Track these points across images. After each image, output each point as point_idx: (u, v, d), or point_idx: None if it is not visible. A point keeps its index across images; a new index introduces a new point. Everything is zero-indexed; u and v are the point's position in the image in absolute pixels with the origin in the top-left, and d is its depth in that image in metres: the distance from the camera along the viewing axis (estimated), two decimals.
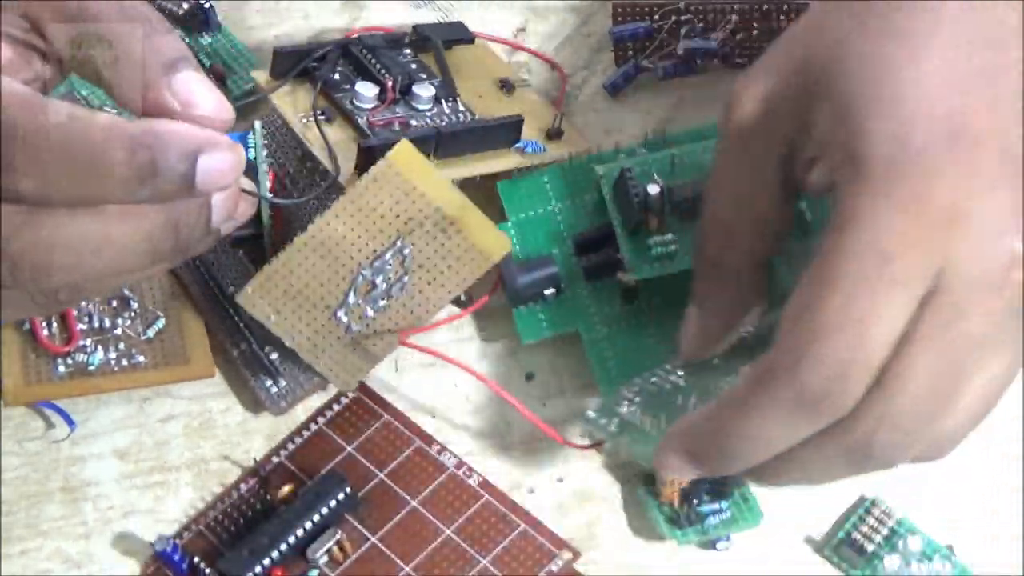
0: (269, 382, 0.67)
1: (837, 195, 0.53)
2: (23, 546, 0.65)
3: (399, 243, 0.63)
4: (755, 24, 0.74)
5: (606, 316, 0.66)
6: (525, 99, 0.73)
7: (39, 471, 0.66)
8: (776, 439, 0.54)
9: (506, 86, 0.72)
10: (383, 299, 0.64)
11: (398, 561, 0.63)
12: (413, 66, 0.70)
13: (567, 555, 0.62)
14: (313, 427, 0.66)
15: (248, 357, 0.67)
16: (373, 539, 0.63)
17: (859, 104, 0.53)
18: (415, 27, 0.72)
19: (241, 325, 0.67)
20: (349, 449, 0.66)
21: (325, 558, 0.63)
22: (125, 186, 0.52)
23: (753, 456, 0.56)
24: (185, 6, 0.75)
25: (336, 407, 0.67)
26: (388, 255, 0.63)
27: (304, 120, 0.67)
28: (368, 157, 0.63)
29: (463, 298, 0.66)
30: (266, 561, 0.62)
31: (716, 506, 0.62)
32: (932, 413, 0.54)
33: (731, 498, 0.63)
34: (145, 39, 0.55)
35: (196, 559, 0.63)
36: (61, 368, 0.66)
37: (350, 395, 0.67)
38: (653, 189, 0.65)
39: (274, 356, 0.66)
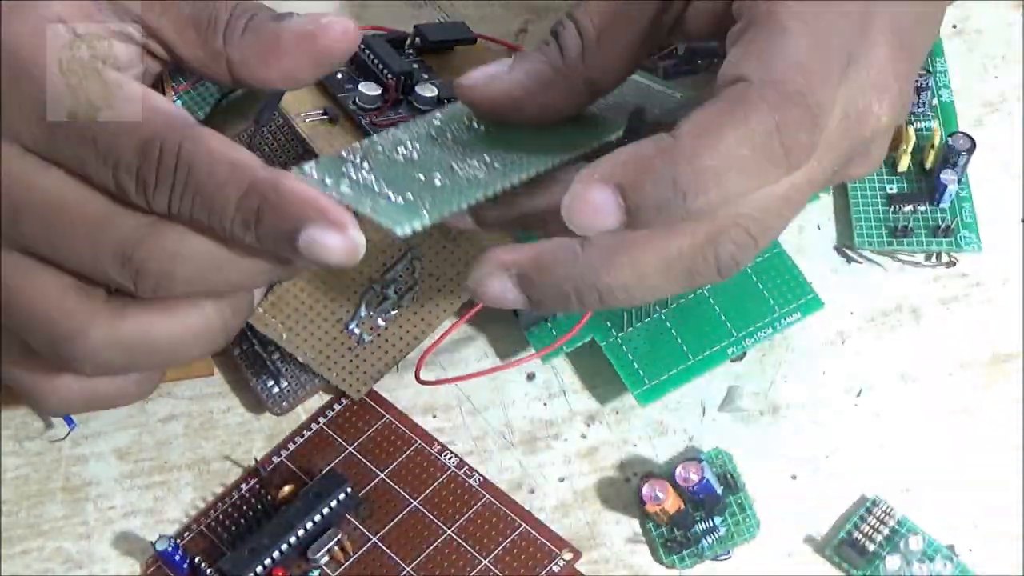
0: (271, 382, 0.67)
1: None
2: (24, 546, 0.65)
3: (409, 254, 0.63)
4: None
5: (617, 319, 0.66)
6: None
7: (40, 471, 0.66)
8: (744, 172, 0.53)
9: None
10: (394, 309, 0.64)
11: (399, 561, 0.63)
12: (415, 66, 0.70)
13: (568, 555, 0.62)
14: (314, 427, 0.66)
15: (250, 357, 0.67)
16: (374, 539, 0.63)
17: None
18: (416, 27, 0.72)
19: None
20: (350, 449, 0.66)
21: (326, 558, 0.63)
22: (233, 225, 0.54)
23: (712, 190, 0.52)
24: None
25: (337, 407, 0.67)
26: (399, 267, 0.63)
27: (306, 119, 0.67)
28: None
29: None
30: (267, 561, 0.62)
31: (710, 524, 0.62)
32: (778, 225, 0.56)
33: (725, 513, 0.63)
34: None
35: (197, 559, 0.63)
36: None
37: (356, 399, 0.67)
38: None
39: (276, 357, 0.66)
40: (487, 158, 0.55)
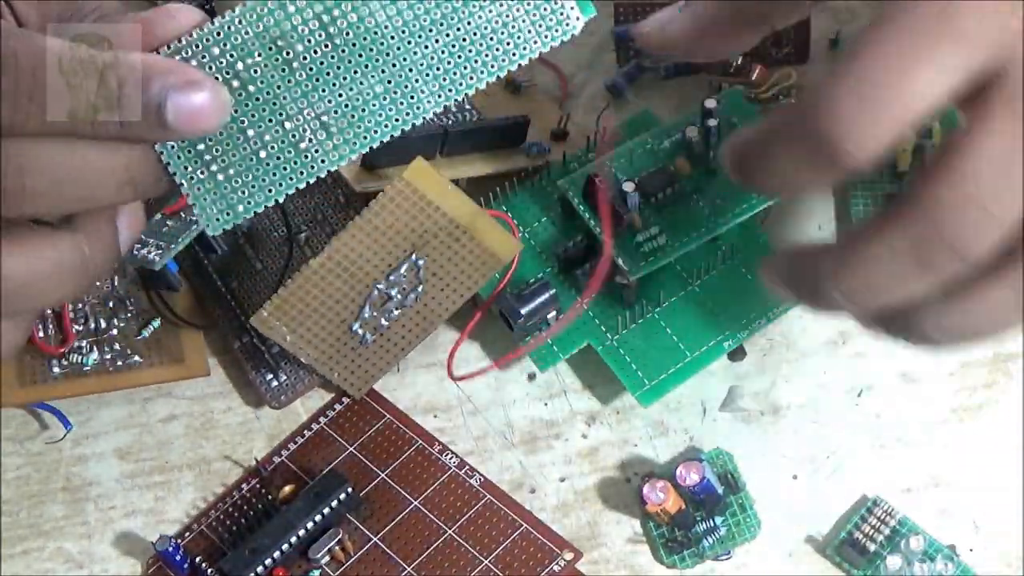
0: (270, 376, 0.67)
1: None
2: (25, 546, 0.65)
3: (414, 256, 0.63)
4: None
5: (612, 322, 0.66)
6: (532, 99, 0.73)
7: (41, 471, 0.66)
8: (785, 174, 0.50)
9: (513, 86, 0.72)
10: (397, 309, 0.64)
11: (400, 561, 0.63)
12: None
13: (569, 555, 0.62)
14: (315, 427, 0.66)
15: (249, 350, 0.67)
16: (375, 539, 0.63)
17: None
18: None
19: (243, 319, 0.67)
20: (351, 449, 0.66)
21: (327, 558, 0.63)
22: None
23: (768, 179, 0.51)
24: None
25: (338, 407, 0.67)
26: (403, 268, 0.63)
27: None
28: (374, 155, 0.63)
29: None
30: (268, 561, 0.62)
31: (710, 524, 0.62)
32: (1006, 187, 0.48)
33: (726, 512, 0.63)
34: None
35: (197, 559, 0.63)
36: (56, 369, 0.66)
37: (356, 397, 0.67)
38: (628, 187, 0.64)
39: (275, 351, 0.66)
40: (324, 117, 0.50)
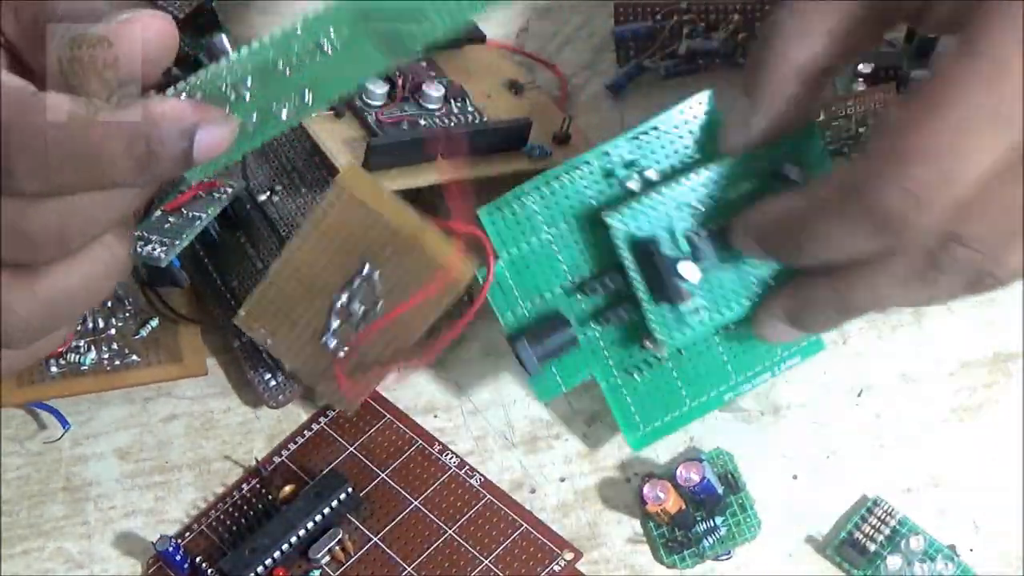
0: (268, 375, 0.67)
1: (965, 21, 0.51)
2: (25, 546, 0.65)
3: (366, 268, 0.62)
4: (757, 24, 0.74)
5: (623, 360, 0.63)
6: (534, 100, 0.73)
7: (41, 471, 0.66)
8: (841, 246, 0.54)
9: (515, 87, 0.72)
10: (363, 323, 0.63)
11: (400, 561, 0.63)
12: (423, 64, 0.70)
13: (569, 555, 0.62)
14: (315, 427, 0.66)
15: (248, 350, 0.67)
16: (375, 539, 0.63)
17: None
18: None
19: None
20: (351, 449, 0.66)
21: (327, 558, 0.63)
22: (126, 176, 0.52)
23: (819, 251, 0.55)
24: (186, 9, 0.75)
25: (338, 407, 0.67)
26: (356, 281, 0.62)
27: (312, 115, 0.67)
28: (375, 155, 0.63)
29: (464, 298, 0.65)
30: (268, 561, 0.62)
31: (710, 524, 0.62)
32: (1007, 243, 0.53)
33: (726, 513, 0.63)
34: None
35: (198, 559, 0.63)
36: (53, 368, 0.66)
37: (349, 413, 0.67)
38: (685, 269, 0.59)
39: None
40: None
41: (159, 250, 0.65)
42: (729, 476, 0.63)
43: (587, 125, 0.73)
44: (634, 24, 0.75)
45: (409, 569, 0.62)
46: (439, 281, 0.61)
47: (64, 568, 0.64)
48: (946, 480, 0.64)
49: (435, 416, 0.67)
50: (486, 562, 0.62)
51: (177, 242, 0.64)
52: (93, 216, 0.54)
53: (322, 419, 0.67)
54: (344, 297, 0.62)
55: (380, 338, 0.63)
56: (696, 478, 0.61)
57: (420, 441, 0.66)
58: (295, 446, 0.66)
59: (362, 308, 0.62)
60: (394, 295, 0.62)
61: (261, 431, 0.67)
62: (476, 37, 0.73)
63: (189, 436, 0.67)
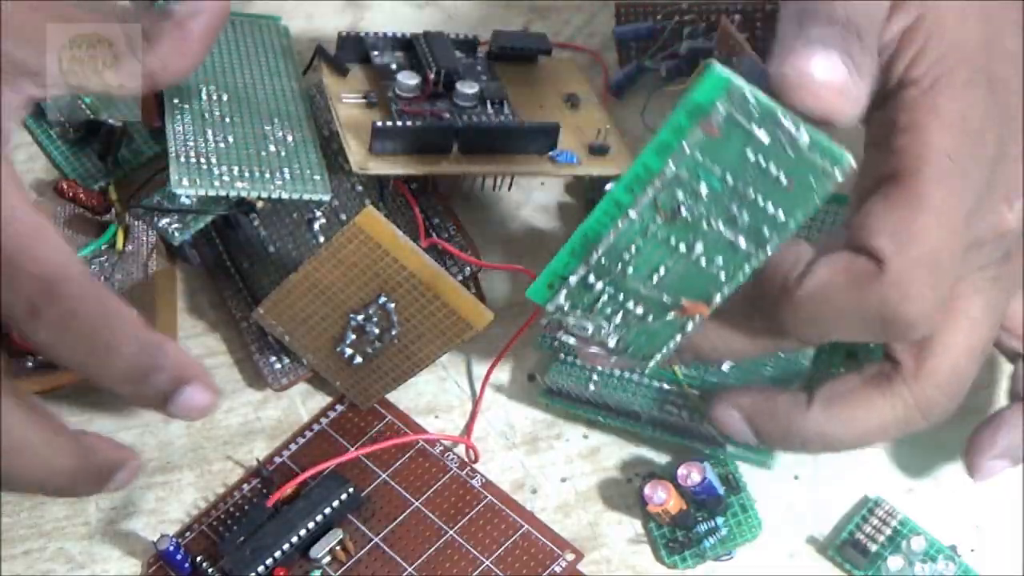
0: (273, 358, 0.67)
1: (907, 110, 0.55)
2: (26, 546, 0.65)
3: (382, 298, 0.63)
4: (758, 25, 0.74)
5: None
6: (586, 115, 0.71)
7: None
8: (840, 330, 0.56)
9: (572, 100, 0.71)
10: (377, 342, 0.64)
11: (401, 562, 0.63)
12: (478, 68, 0.70)
13: (570, 556, 0.62)
14: (316, 427, 0.67)
15: (255, 332, 0.67)
16: (376, 539, 0.63)
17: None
18: (495, 32, 0.73)
19: (250, 300, 0.68)
20: (352, 449, 0.66)
21: (328, 558, 0.63)
22: (119, 376, 0.57)
23: (813, 332, 0.57)
24: None
25: (339, 407, 0.67)
26: (371, 309, 0.63)
27: (345, 100, 0.68)
28: (377, 139, 0.65)
29: None
30: (268, 561, 0.62)
31: (712, 524, 0.62)
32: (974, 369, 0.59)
33: (727, 512, 0.63)
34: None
35: (199, 559, 0.63)
36: (30, 363, 0.66)
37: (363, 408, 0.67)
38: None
39: (280, 330, 0.66)
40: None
41: (174, 227, 0.66)
42: (730, 477, 0.63)
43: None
44: (635, 24, 0.75)
45: (410, 569, 0.62)
46: (455, 327, 0.63)
47: (65, 568, 0.64)
48: (947, 480, 0.64)
49: (436, 417, 0.67)
50: (487, 562, 0.62)
51: (193, 223, 0.66)
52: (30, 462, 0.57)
53: (323, 420, 0.67)
54: (360, 318, 0.63)
55: (391, 360, 0.64)
56: (697, 478, 0.61)
57: (421, 441, 0.66)
58: (296, 447, 0.66)
59: (377, 331, 0.63)
60: (408, 327, 0.63)
61: (262, 431, 0.67)
62: (542, 50, 0.73)
63: (190, 436, 0.67)
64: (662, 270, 0.54)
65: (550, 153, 0.67)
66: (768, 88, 0.52)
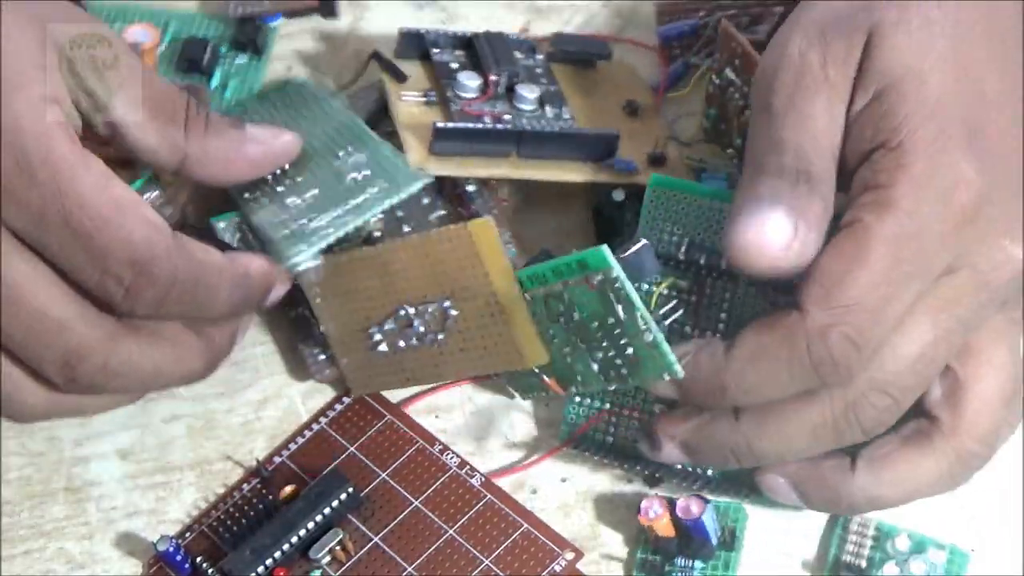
0: (316, 349, 0.67)
1: (876, 170, 0.56)
2: (26, 546, 0.65)
3: (447, 302, 0.62)
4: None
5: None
6: (645, 124, 0.71)
7: (42, 471, 0.66)
8: (773, 388, 0.57)
9: (632, 107, 0.71)
10: (415, 340, 0.64)
11: (400, 561, 0.63)
12: (538, 71, 0.70)
13: (570, 555, 0.62)
14: (315, 427, 0.67)
15: (301, 322, 0.67)
16: (375, 539, 0.63)
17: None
18: (555, 35, 0.73)
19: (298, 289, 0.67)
20: (351, 449, 0.66)
21: (327, 558, 0.63)
22: (219, 316, 0.62)
23: (740, 398, 0.58)
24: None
25: (338, 407, 0.67)
26: (431, 307, 0.63)
27: (402, 98, 0.68)
28: (439, 139, 0.65)
29: None
30: (268, 561, 0.62)
31: (688, 564, 0.61)
32: (918, 383, 0.58)
33: (708, 563, 0.61)
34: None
35: (199, 559, 0.63)
36: None
37: (353, 395, 0.67)
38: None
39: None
40: None
41: (298, 257, 0.64)
42: (731, 531, 0.62)
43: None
44: (678, 23, 0.74)
45: (410, 569, 0.62)
46: (507, 355, 0.62)
47: (65, 568, 0.64)
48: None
49: (436, 416, 0.67)
50: (487, 562, 0.62)
51: (315, 245, 0.64)
52: (140, 379, 0.61)
53: (323, 419, 0.67)
54: (411, 311, 0.63)
55: (418, 361, 0.64)
56: (695, 512, 0.60)
57: (421, 441, 0.66)
58: (296, 446, 0.66)
59: (422, 329, 0.63)
60: (458, 337, 0.63)
61: (262, 431, 0.67)
62: (601, 55, 0.73)
63: (190, 436, 0.67)
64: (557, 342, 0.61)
65: (609, 161, 0.67)
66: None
